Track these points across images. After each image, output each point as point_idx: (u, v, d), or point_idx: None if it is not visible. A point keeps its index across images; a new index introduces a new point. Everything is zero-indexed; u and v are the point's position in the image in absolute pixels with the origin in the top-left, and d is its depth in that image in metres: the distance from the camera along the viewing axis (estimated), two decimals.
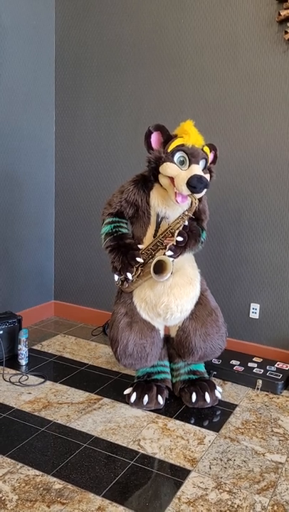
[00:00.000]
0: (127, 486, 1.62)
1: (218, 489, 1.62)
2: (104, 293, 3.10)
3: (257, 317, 2.63)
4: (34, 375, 2.40)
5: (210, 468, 1.73)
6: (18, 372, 2.43)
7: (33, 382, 2.33)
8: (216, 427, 1.99)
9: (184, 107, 2.67)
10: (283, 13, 2.34)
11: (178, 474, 1.69)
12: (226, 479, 1.67)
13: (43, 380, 2.35)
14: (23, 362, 2.51)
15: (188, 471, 1.70)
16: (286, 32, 2.36)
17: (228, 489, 1.62)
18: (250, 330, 2.64)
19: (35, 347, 2.74)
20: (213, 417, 2.08)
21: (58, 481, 1.63)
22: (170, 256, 1.94)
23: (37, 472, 1.67)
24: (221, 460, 1.78)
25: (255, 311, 2.63)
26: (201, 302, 2.11)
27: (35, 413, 2.05)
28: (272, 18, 2.39)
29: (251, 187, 2.55)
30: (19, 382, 2.32)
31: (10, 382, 2.32)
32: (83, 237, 3.13)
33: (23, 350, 2.50)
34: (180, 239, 1.95)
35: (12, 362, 2.53)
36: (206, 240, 2.16)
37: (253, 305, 2.63)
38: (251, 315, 2.64)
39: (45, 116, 3.04)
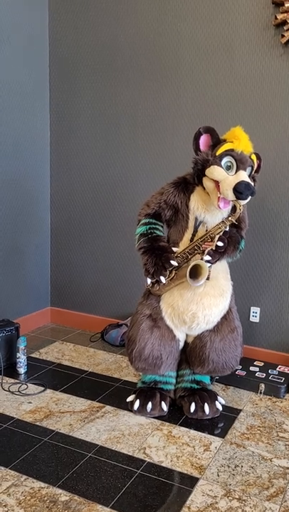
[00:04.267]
0: (136, 496, 1.59)
1: (228, 497, 1.59)
2: (102, 298, 3.07)
3: (257, 321, 2.62)
4: (34, 383, 2.36)
5: (218, 475, 1.70)
6: (17, 381, 2.39)
7: (33, 391, 2.29)
8: (221, 433, 1.97)
9: (181, 111, 2.66)
10: (280, 16, 2.34)
11: (186, 482, 1.66)
12: (235, 486, 1.65)
13: (43, 388, 2.31)
14: (22, 370, 2.46)
15: (196, 479, 1.68)
16: (283, 36, 2.36)
17: (237, 496, 1.60)
18: (251, 334, 2.63)
19: (33, 355, 2.70)
20: (218, 422, 2.06)
21: (64, 492, 1.59)
22: (207, 261, 1.90)
23: (42, 484, 1.63)
24: (229, 467, 1.75)
25: (255, 314, 2.62)
26: (226, 317, 2.06)
27: (37, 423, 2.01)
28: (269, 22, 2.40)
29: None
30: (19, 391, 2.28)
31: (9, 391, 2.27)
32: (79, 243, 3.10)
33: (21, 358, 2.46)
34: (220, 244, 1.91)
35: (10, 371, 2.48)
36: (244, 249, 2.11)
37: (253, 309, 2.62)
38: (252, 319, 2.63)
39: (39, 121, 3.01)
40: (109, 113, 2.88)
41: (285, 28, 2.34)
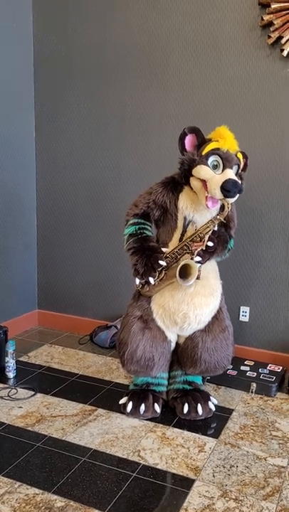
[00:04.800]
0: (132, 500, 1.57)
1: (224, 497, 1.59)
2: (90, 300, 3.04)
3: (247, 320, 2.63)
4: (23, 387, 2.32)
5: (214, 476, 1.70)
6: (6, 385, 2.34)
7: (23, 395, 2.25)
8: (215, 433, 1.97)
9: (168, 110, 2.66)
10: (266, 17, 2.36)
11: (182, 484, 1.65)
12: (231, 486, 1.65)
13: (33, 392, 2.27)
14: (11, 375, 2.42)
15: (192, 481, 1.67)
16: (269, 36, 2.38)
17: (234, 497, 1.60)
18: (241, 333, 2.64)
19: (21, 358, 2.66)
20: (211, 423, 2.06)
21: (60, 498, 1.57)
22: (198, 262, 1.89)
23: (36, 490, 1.60)
24: (224, 467, 1.75)
25: (245, 314, 2.63)
26: (217, 317, 2.06)
27: (29, 428, 1.97)
28: (256, 23, 2.41)
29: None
30: (8, 396, 2.24)
31: None
32: (66, 244, 3.07)
33: (10, 362, 2.42)
34: (211, 244, 1.90)
35: None
36: (233, 248, 2.11)
37: (242, 308, 2.63)
38: (241, 318, 2.64)
39: (24, 121, 2.97)
40: (95, 112, 2.85)
41: (272, 29, 2.35)
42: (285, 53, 2.35)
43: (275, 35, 2.35)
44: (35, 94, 3.00)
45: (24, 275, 3.10)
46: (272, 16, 2.34)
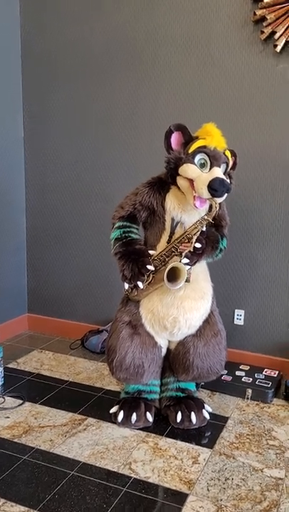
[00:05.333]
0: None
1: None
2: (81, 304, 2.97)
3: (242, 323, 2.56)
4: (11, 396, 2.24)
5: (208, 490, 1.63)
6: None
7: (10, 404, 2.17)
8: (209, 443, 1.90)
9: (158, 108, 2.58)
10: (258, 12, 2.29)
11: (175, 499, 1.58)
12: (227, 501, 1.57)
13: (21, 401, 2.19)
14: None
15: (185, 495, 1.59)
16: (262, 32, 2.31)
17: None
18: (235, 337, 2.57)
19: (10, 365, 2.57)
20: (205, 431, 1.98)
21: None
22: (186, 264, 1.82)
23: (22, 508, 1.52)
24: (219, 480, 1.68)
25: (239, 317, 2.56)
26: (208, 321, 1.99)
27: (16, 439, 1.89)
28: (248, 18, 2.34)
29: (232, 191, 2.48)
30: None
31: None
32: (56, 246, 2.99)
33: None
34: (198, 245, 1.83)
35: None
36: (226, 248, 2.04)
37: (237, 311, 2.56)
38: (236, 321, 2.57)
39: (12, 121, 2.88)
40: (84, 111, 2.77)
41: (265, 24, 2.28)
42: (278, 49, 2.28)
43: (268, 31, 2.28)
44: (23, 93, 2.91)
45: (13, 278, 3.01)
46: (265, 10, 2.27)
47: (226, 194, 1.81)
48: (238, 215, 2.48)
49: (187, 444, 1.89)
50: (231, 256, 2.53)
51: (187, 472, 1.72)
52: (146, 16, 2.54)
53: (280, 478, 1.69)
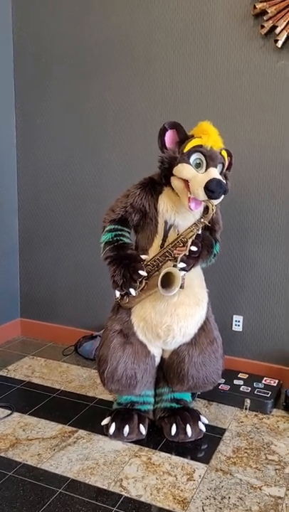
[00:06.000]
0: None
1: None
2: (75, 308, 2.87)
3: (240, 330, 2.47)
4: None
5: (203, 509, 1.53)
6: None
7: None
8: (205, 458, 1.80)
9: (153, 106, 2.49)
10: (259, 6, 2.19)
11: None
12: None
13: (9, 412, 2.10)
14: None
15: None
16: (262, 26, 2.21)
17: None
18: (234, 344, 2.47)
19: (0, 373, 2.48)
20: (201, 445, 1.89)
21: None
22: (182, 268, 1.72)
23: None
24: (215, 499, 1.59)
25: (238, 323, 2.46)
26: (204, 328, 1.89)
27: (2, 454, 1.80)
28: (248, 12, 2.25)
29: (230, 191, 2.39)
30: None
31: None
32: (50, 249, 2.90)
33: None
34: (194, 249, 1.74)
35: None
36: (219, 253, 1.95)
37: (235, 317, 2.47)
38: (234, 328, 2.47)
39: (4, 121, 2.79)
40: (78, 110, 2.68)
41: (265, 18, 2.19)
42: (279, 44, 2.18)
43: (268, 25, 2.19)
44: (16, 92, 2.82)
45: (5, 282, 2.92)
46: (265, 3, 2.18)
47: (223, 196, 1.72)
48: (236, 217, 2.39)
49: (182, 458, 1.80)
50: (229, 259, 2.43)
51: (181, 490, 1.62)
52: (142, 11, 2.45)
53: (280, 497, 1.60)
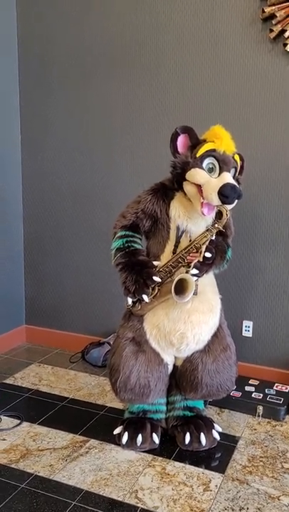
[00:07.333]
0: None
1: None
2: (82, 315, 2.84)
3: (250, 335, 2.44)
4: (8, 415, 2.11)
5: None
6: None
7: (7, 425, 2.04)
8: (220, 467, 1.77)
9: (162, 110, 2.47)
10: (267, 9, 2.18)
11: None
12: None
13: (18, 421, 2.06)
14: None
15: None
16: (271, 30, 2.20)
17: None
18: (244, 349, 2.45)
19: (7, 381, 2.45)
20: (216, 453, 1.86)
21: None
22: (195, 275, 1.70)
23: None
24: (233, 510, 1.55)
25: (248, 329, 2.44)
26: (217, 335, 1.86)
27: (13, 465, 1.76)
28: (256, 16, 2.24)
29: None
30: None
31: None
32: (56, 254, 2.87)
33: None
34: (209, 255, 1.71)
35: None
36: (231, 258, 1.93)
37: (245, 322, 2.44)
38: (244, 333, 2.45)
39: (9, 125, 2.77)
40: (84, 114, 2.66)
41: (274, 21, 2.18)
42: (288, 48, 2.17)
43: (277, 29, 2.18)
44: (20, 96, 2.80)
45: (10, 287, 2.89)
46: (274, 7, 2.17)
47: (237, 201, 1.70)
48: (245, 222, 2.37)
49: (197, 468, 1.77)
50: (238, 264, 2.41)
51: (198, 501, 1.59)
52: (149, 15, 2.43)
53: None
